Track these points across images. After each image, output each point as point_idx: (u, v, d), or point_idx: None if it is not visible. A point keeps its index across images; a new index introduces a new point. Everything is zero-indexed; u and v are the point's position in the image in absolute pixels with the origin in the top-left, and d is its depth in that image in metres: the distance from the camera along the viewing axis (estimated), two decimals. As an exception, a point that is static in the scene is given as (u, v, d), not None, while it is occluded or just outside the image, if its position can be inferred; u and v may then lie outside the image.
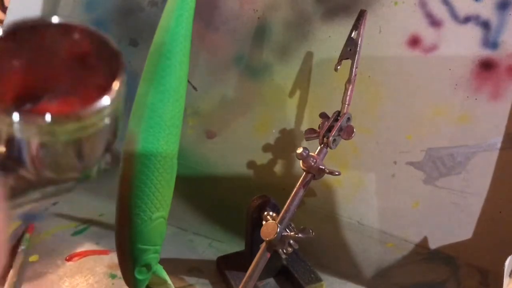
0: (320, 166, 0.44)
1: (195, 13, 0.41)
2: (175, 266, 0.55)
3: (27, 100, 0.19)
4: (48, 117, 0.17)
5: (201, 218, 0.63)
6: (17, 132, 0.18)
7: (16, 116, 0.17)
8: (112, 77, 0.19)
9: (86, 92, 0.19)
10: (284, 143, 0.57)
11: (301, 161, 0.44)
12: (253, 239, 0.51)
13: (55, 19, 0.20)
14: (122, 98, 0.20)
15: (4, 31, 0.19)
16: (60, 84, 0.20)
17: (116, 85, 0.19)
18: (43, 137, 0.18)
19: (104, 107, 0.18)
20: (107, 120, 0.19)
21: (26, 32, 0.19)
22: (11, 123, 0.17)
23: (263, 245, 0.44)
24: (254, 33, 0.54)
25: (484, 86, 0.47)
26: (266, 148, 0.58)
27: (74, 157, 0.20)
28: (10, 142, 0.18)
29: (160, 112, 0.39)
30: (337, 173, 0.44)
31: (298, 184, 0.45)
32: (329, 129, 0.45)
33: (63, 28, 0.20)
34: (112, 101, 0.19)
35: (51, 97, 0.20)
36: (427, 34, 0.47)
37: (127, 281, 0.43)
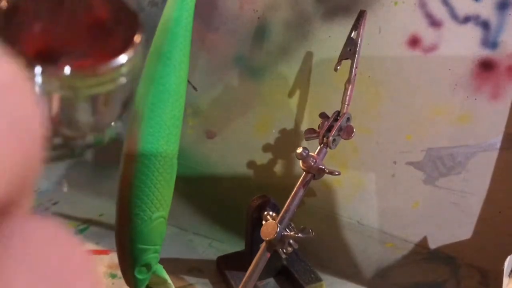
0: (320, 166, 0.44)
1: (195, 13, 0.41)
2: (175, 266, 0.55)
3: (47, 60, 0.19)
4: (67, 70, 0.18)
5: (201, 218, 0.63)
6: (38, 86, 0.18)
7: (38, 69, 0.18)
8: (129, 39, 0.19)
9: (103, 53, 0.19)
10: (284, 143, 0.57)
11: (301, 161, 0.44)
12: (253, 239, 0.51)
13: None
14: (139, 58, 0.20)
15: None
16: (79, 46, 0.20)
17: (134, 44, 0.19)
18: (64, 91, 0.19)
19: (121, 65, 0.19)
20: (123, 79, 0.20)
21: None
22: (33, 76, 0.18)
23: (263, 245, 0.44)
24: (254, 33, 0.54)
25: (484, 86, 0.47)
26: (266, 148, 0.58)
27: (91, 114, 0.20)
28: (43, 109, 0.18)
29: (160, 112, 0.39)
30: (337, 173, 0.44)
31: (298, 184, 0.45)
32: (329, 129, 0.45)
33: None
34: (129, 59, 0.19)
35: (70, 58, 0.20)
36: (427, 34, 0.47)
37: (127, 281, 0.43)
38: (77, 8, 0.20)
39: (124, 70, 0.19)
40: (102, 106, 0.20)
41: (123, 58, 0.19)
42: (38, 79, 0.18)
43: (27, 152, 0.10)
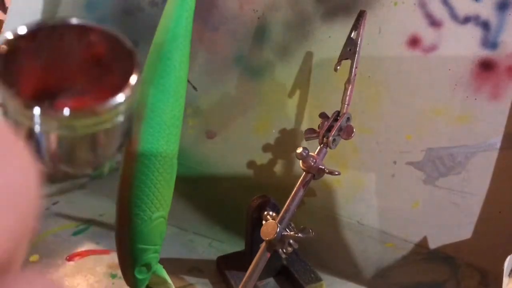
0: (320, 166, 0.44)
1: (195, 13, 0.41)
2: (175, 266, 0.55)
3: (45, 98, 0.20)
4: (67, 111, 0.18)
5: (201, 218, 0.63)
6: (37, 126, 0.18)
7: (37, 110, 0.18)
8: (126, 76, 0.20)
9: (100, 91, 0.20)
10: (284, 143, 0.57)
11: (301, 161, 0.44)
12: (253, 239, 0.51)
13: (74, 21, 0.20)
14: (136, 97, 0.20)
15: (26, 31, 0.19)
16: (76, 83, 0.20)
17: (131, 83, 0.19)
18: (62, 131, 0.19)
19: (119, 104, 0.19)
20: (121, 117, 0.20)
21: (46, 32, 0.20)
22: (31, 117, 0.18)
23: (263, 245, 0.44)
24: (254, 33, 0.54)
25: (483, 86, 0.47)
26: (266, 148, 0.58)
27: (89, 152, 0.20)
28: (29, 136, 0.19)
29: (160, 112, 0.39)
30: (337, 173, 0.44)
31: (298, 184, 0.45)
32: (329, 129, 0.45)
33: (81, 29, 0.20)
34: (127, 98, 0.19)
35: (67, 95, 0.20)
36: (427, 34, 0.47)
37: (127, 281, 0.43)
38: (76, 44, 0.20)
39: (122, 109, 0.19)
40: (101, 143, 0.20)
41: (120, 97, 0.19)
42: (37, 119, 0.18)
43: (23, 219, 0.11)
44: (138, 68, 0.20)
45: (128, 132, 0.21)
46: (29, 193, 0.11)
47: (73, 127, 0.19)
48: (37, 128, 0.18)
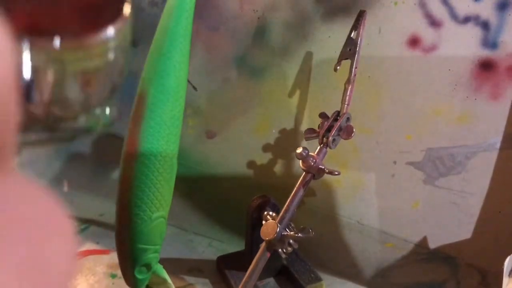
0: (320, 166, 0.44)
1: (195, 13, 0.41)
2: (175, 266, 0.55)
3: (36, 33, 0.19)
4: (57, 42, 0.18)
5: (201, 218, 0.63)
6: (28, 60, 0.18)
7: (27, 42, 0.18)
8: (118, 13, 0.19)
9: (92, 26, 0.19)
10: (284, 143, 0.57)
11: (300, 161, 0.44)
12: (253, 239, 0.51)
13: None
14: (126, 33, 0.20)
15: None
16: (68, 18, 0.20)
17: (121, 17, 0.19)
18: (53, 65, 0.19)
19: (109, 38, 0.19)
20: (111, 54, 0.20)
21: None
22: (22, 50, 0.18)
23: (263, 245, 0.44)
24: (254, 33, 0.54)
25: (483, 86, 0.47)
26: (266, 148, 0.58)
27: (80, 92, 0.20)
28: (20, 75, 0.18)
29: (160, 112, 0.39)
30: (336, 173, 0.44)
31: (298, 184, 0.45)
32: (329, 129, 0.45)
33: None
34: (116, 34, 0.19)
35: (59, 31, 0.20)
36: (427, 34, 0.47)
37: (127, 281, 0.43)
38: None
39: (111, 44, 0.19)
40: (91, 83, 0.20)
41: (111, 31, 0.19)
42: (27, 52, 0.18)
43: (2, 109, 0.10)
44: (128, 5, 0.20)
45: (119, 74, 0.21)
46: (7, 86, 0.10)
47: (63, 62, 0.18)
48: (28, 64, 0.18)
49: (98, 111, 0.32)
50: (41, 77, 0.19)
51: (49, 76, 0.19)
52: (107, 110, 0.37)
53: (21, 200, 0.10)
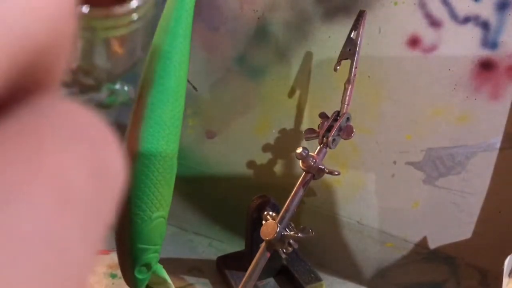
0: (320, 166, 0.44)
1: (195, 13, 0.41)
2: (175, 266, 0.55)
3: None
4: (86, 9, 0.19)
5: (201, 218, 0.63)
6: None
7: None
8: None
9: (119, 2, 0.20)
10: (284, 143, 0.57)
11: (300, 161, 0.44)
12: (253, 239, 0.51)
13: None
14: (151, 5, 0.21)
15: None
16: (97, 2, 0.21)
17: None
18: (82, 32, 0.19)
19: (135, 8, 0.20)
20: (136, 24, 0.20)
21: None
22: None
23: (263, 245, 0.44)
24: (254, 33, 0.54)
25: (483, 86, 0.47)
26: (266, 148, 0.58)
27: (106, 60, 0.21)
28: None
29: (160, 112, 0.39)
30: (336, 173, 0.44)
31: (298, 184, 0.45)
32: (329, 129, 0.45)
33: None
34: (141, 4, 0.20)
35: (89, 5, 0.20)
36: (427, 34, 0.47)
37: (127, 281, 0.43)
38: None
39: (137, 14, 0.20)
40: (117, 51, 0.21)
41: (135, 2, 0.20)
42: None
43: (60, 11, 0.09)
44: None
45: (144, 47, 0.22)
46: None
47: (91, 29, 0.19)
48: None
49: (118, 86, 0.33)
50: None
51: (78, 43, 0.20)
52: (126, 87, 0.38)
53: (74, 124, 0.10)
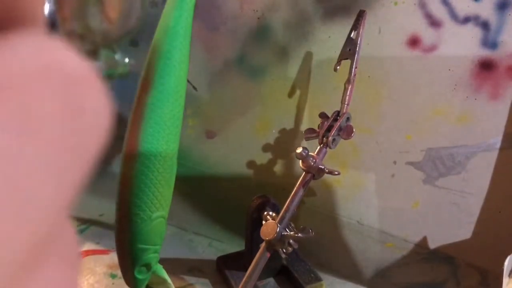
0: (320, 166, 0.44)
1: (195, 13, 0.41)
2: (175, 266, 0.55)
3: None
4: None
5: (201, 218, 0.63)
6: None
7: None
8: None
9: None
10: (284, 143, 0.57)
11: (300, 161, 0.44)
12: (253, 239, 0.51)
13: None
14: None
15: None
16: None
17: None
18: None
19: None
20: None
21: None
22: None
23: (263, 245, 0.44)
24: (254, 33, 0.54)
25: (483, 86, 0.47)
26: (266, 148, 0.58)
27: (101, 22, 0.21)
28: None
29: (160, 112, 0.39)
30: (336, 173, 0.44)
31: (298, 184, 0.45)
32: (329, 129, 0.45)
33: None
34: None
35: None
36: (427, 34, 0.47)
37: (127, 281, 0.43)
38: None
39: None
40: (111, 15, 0.21)
41: None
42: None
43: None
44: None
45: (139, 12, 0.22)
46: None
47: None
48: None
49: (118, 56, 0.33)
50: (64, 5, 0.19)
51: (72, 4, 0.19)
52: (126, 59, 0.38)
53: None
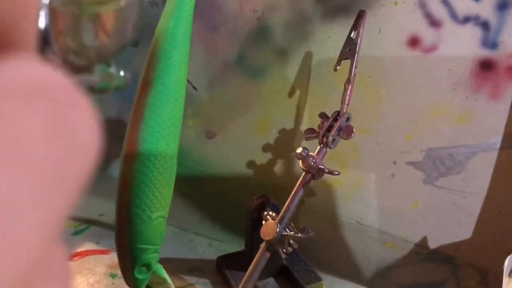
0: (320, 166, 0.44)
1: (195, 13, 0.41)
2: (175, 266, 0.55)
3: None
4: None
5: (201, 218, 0.63)
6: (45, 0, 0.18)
7: None
8: None
9: None
10: (284, 143, 0.57)
11: (300, 161, 0.44)
12: (253, 239, 0.51)
13: None
14: None
15: None
16: None
17: None
18: (69, 7, 0.19)
19: None
20: (126, 1, 0.20)
21: None
22: None
23: (263, 245, 0.44)
24: (254, 33, 0.54)
25: (483, 86, 0.47)
26: (266, 148, 0.58)
27: (95, 38, 0.21)
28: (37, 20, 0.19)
29: (160, 112, 0.39)
30: (336, 173, 0.44)
31: (297, 184, 0.45)
32: (329, 129, 0.45)
33: None
34: None
35: None
36: (427, 34, 0.47)
37: (127, 281, 0.43)
38: None
39: None
40: (106, 30, 0.20)
41: None
42: None
43: None
44: None
45: (134, 27, 0.22)
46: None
47: (78, 3, 0.19)
48: (45, 6, 0.18)
49: (113, 70, 0.33)
50: (58, 20, 0.19)
51: (66, 19, 0.19)
52: (122, 72, 0.37)
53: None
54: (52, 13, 0.19)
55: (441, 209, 0.52)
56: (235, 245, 0.58)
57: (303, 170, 0.45)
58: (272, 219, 0.45)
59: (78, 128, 0.10)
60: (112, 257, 0.55)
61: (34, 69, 0.10)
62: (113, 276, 0.52)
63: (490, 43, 0.46)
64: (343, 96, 0.46)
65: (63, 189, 0.09)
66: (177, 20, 0.39)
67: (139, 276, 0.42)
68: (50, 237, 0.09)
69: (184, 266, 0.56)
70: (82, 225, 0.61)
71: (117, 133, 0.60)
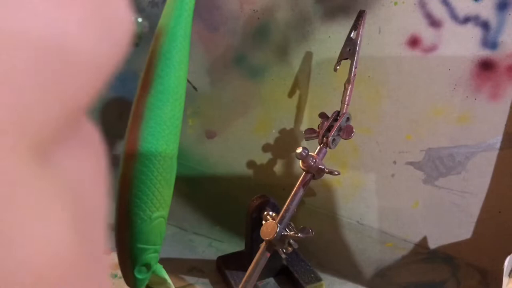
0: (320, 166, 0.44)
1: (195, 13, 0.41)
2: (175, 266, 0.55)
3: None
4: None
5: (201, 218, 0.63)
6: None
7: None
8: None
9: None
10: (284, 143, 0.57)
11: (300, 161, 0.44)
12: (253, 239, 0.51)
13: None
14: None
15: None
16: None
17: None
18: None
19: None
20: None
21: None
22: None
23: (263, 245, 0.44)
24: (254, 33, 0.54)
25: (483, 86, 0.47)
26: (266, 148, 0.58)
27: None
28: None
29: (160, 112, 0.39)
30: (336, 173, 0.44)
31: (297, 184, 0.45)
32: (329, 129, 0.45)
33: None
34: None
35: None
36: (427, 34, 0.47)
37: (127, 281, 0.43)
38: None
39: None
40: None
41: None
42: None
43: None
44: None
45: None
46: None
47: None
48: None
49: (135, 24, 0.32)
50: None
51: None
52: (139, 19, 0.37)
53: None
54: None
55: (441, 209, 0.52)
56: (235, 245, 0.58)
57: (303, 170, 0.45)
58: (272, 219, 0.45)
59: (116, 12, 0.10)
60: (112, 257, 0.55)
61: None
62: (113, 276, 0.52)
63: (490, 43, 0.46)
64: (343, 96, 0.46)
65: (107, 45, 0.10)
66: (177, 20, 0.39)
67: (139, 276, 0.42)
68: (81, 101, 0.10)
69: (184, 266, 0.56)
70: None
71: (117, 133, 0.60)
